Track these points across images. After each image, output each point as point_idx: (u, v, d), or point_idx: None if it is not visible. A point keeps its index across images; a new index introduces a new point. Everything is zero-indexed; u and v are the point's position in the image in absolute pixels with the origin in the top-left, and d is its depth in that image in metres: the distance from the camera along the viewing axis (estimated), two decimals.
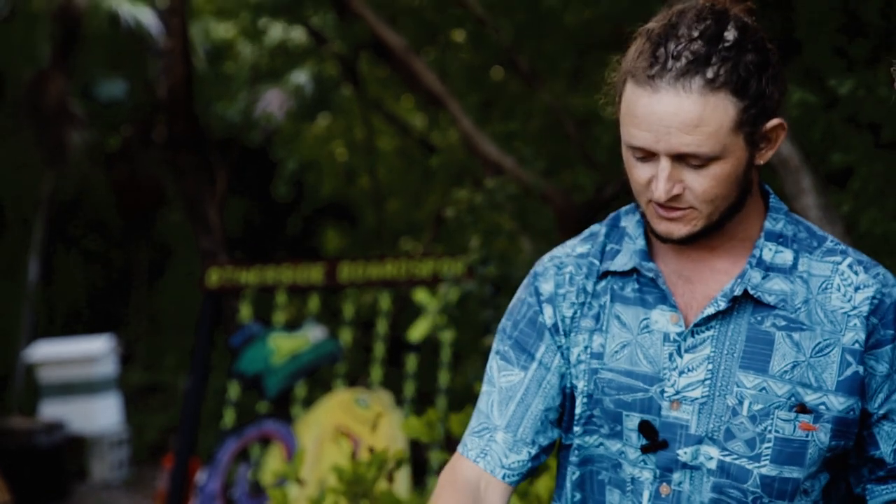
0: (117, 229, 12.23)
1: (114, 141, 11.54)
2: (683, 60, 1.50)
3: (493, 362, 1.73)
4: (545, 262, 1.73)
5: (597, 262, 1.68)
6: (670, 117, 1.51)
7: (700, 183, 1.54)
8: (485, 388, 1.72)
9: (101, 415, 8.75)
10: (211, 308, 6.72)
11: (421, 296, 6.18)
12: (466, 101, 7.67)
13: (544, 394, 1.68)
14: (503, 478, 1.68)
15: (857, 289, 1.59)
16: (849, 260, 1.61)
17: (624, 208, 1.72)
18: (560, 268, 1.71)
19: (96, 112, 10.83)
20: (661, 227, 1.58)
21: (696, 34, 1.51)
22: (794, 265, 1.61)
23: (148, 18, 9.65)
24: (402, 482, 5.60)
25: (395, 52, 6.57)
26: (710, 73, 1.50)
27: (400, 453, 2.74)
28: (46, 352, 8.86)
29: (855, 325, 1.58)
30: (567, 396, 1.69)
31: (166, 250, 12.30)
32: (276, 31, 10.01)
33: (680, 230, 1.58)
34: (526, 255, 5.43)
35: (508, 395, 1.70)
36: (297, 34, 10.13)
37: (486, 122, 7.82)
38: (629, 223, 1.69)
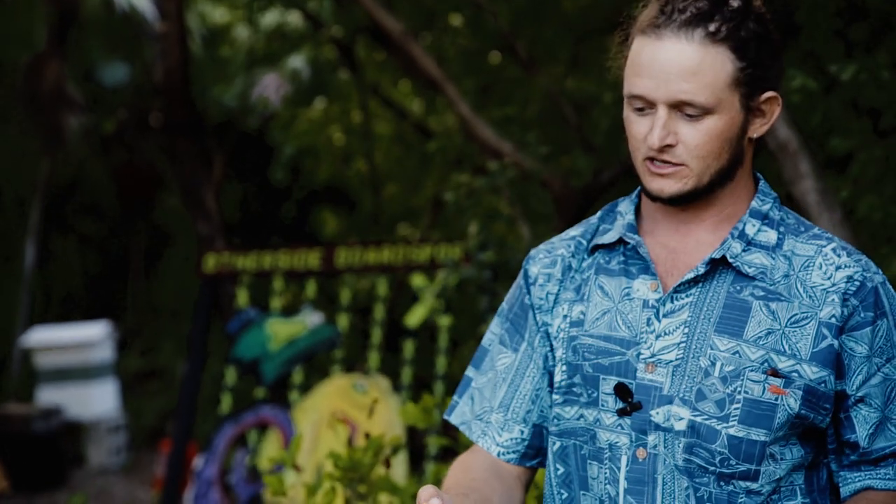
0: (114, 214, 12.21)
1: (109, 125, 11.51)
2: (688, 13, 1.59)
3: (493, 346, 1.81)
4: (539, 247, 1.82)
5: (584, 242, 1.76)
6: (671, 63, 1.58)
7: (693, 136, 1.60)
8: (489, 373, 1.80)
9: (98, 400, 8.74)
10: (208, 294, 6.71)
11: (418, 281, 6.17)
12: (464, 85, 7.65)
13: (532, 374, 1.76)
14: (499, 455, 1.76)
15: (838, 268, 1.63)
16: (833, 244, 1.66)
17: (622, 197, 1.79)
18: (550, 251, 1.79)
19: (95, 97, 10.79)
20: (654, 184, 1.64)
21: None
22: (779, 245, 1.65)
23: (143, 2, 9.60)
24: (399, 468, 5.60)
25: (393, 36, 6.54)
26: (712, 27, 1.58)
27: (397, 439, 2.74)
28: (43, 337, 8.84)
29: (833, 300, 1.61)
30: (552, 373, 1.75)
31: (163, 236, 12.28)
32: (273, 15, 9.97)
33: (671, 187, 1.63)
34: (525, 240, 5.42)
35: (502, 377, 1.78)
36: (294, 18, 10.10)
37: (484, 106, 7.80)
38: (624, 206, 1.76)
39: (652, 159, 1.63)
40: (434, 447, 5.84)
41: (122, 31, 10.09)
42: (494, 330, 1.82)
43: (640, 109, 1.63)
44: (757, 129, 1.65)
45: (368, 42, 9.74)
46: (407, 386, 6.18)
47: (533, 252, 1.81)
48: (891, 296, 1.66)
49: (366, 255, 6.30)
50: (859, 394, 1.63)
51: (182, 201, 8.49)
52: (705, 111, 1.59)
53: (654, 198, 1.66)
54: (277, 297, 6.52)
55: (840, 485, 1.67)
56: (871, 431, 1.63)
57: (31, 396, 9.01)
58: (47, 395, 8.64)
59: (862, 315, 1.62)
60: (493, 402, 1.77)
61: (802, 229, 1.69)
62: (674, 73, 1.58)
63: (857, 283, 1.62)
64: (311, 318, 6.42)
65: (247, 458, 6.24)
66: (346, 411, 5.94)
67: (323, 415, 6.03)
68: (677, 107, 1.60)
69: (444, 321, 6.11)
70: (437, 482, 2.84)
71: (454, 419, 1.82)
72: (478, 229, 5.18)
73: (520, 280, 1.80)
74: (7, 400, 9.29)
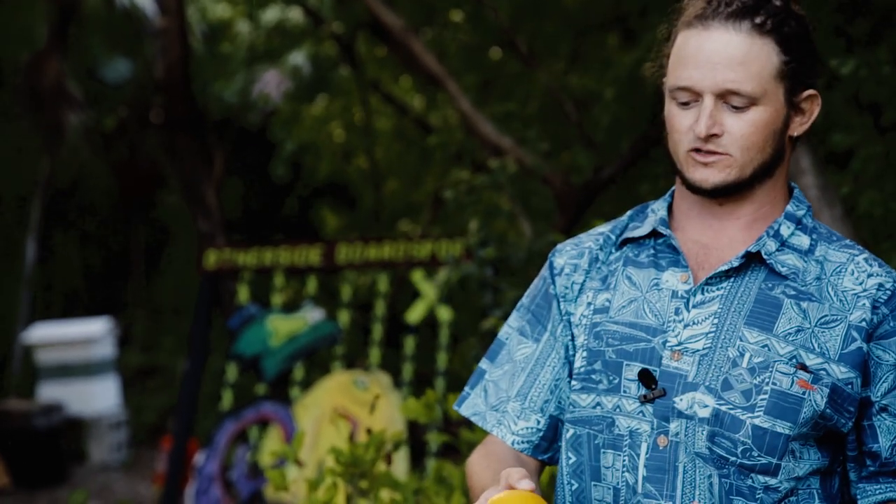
0: (115, 211, 12.21)
1: (109, 122, 11.50)
2: (735, 6, 1.62)
3: (511, 338, 1.79)
4: (566, 241, 1.83)
5: (613, 237, 1.77)
6: (718, 53, 1.61)
7: (739, 126, 1.61)
8: (506, 365, 1.78)
9: (100, 397, 8.75)
10: (209, 290, 6.71)
11: (419, 277, 6.17)
12: (464, 81, 7.64)
13: (552, 364, 1.75)
14: (513, 444, 1.75)
15: (869, 276, 1.64)
16: (865, 255, 1.68)
17: (654, 200, 1.80)
18: (578, 244, 1.80)
19: (95, 93, 10.79)
20: (697, 174, 1.65)
21: None
22: (811, 250, 1.67)
23: None
24: (400, 464, 5.60)
25: (394, 32, 6.54)
26: (758, 20, 1.61)
27: (398, 435, 2.74)
28: (44, 334, 8.85)
29: (864, 304, 1.62)
30: (572, 363, 1.74)
31: (164, 232, 12.28)
32: (274, 11, 9.97)
33: (714, 177, 1.64)
34: (525, 236, 5.42)
35: (521, 367, 1.77)
36: (295, 14, 10.09)
37: (485, 102, 7.80)
38: (656, 204, 1.77)
39: (697, 150, 1.64)
40: (435, 443, 5.84)
41: (123, 28, 10.09)
42: (513, 323, 1.81)
43: (685, 103, 1.65)
44: (797, 128, 1.67)
45: (369, 38, 9.74)
46: (408, 382, 6.18)
47: (559, 245, 1.82)
48: None
49: (366, 252, 6.30)
50: (883, 402, 1.63)
51: (182, 198, 8.49)
52: (751, 101, 1.61)
53: (697, 189, 1.66)
54: (278, 294, 6.52)
55: (858, 497, 1.66)
56: (893, 442, 1.63)
57: (32, 393, 9.01)
58: (48, 392, 8.65)
59: (892, 324, 1.63)
60: (510, 392, 1.76)
61: (834, 238, 1.70)
62: (721, 62, 1.61)
63: (888, 291, 1.63)
64: (311, 315, 6.42)
65: (248, 454, 6.25)
66: (347, 407, 5.95)
67: (324, 411, 6.04)
68: (723, 97, 1.62)
69: (445, 317, 6.11)
70: (439, 478, 2.84)
71: (465, 410, 1.81)
72: (478, 226, 5.17)
73: (544, 272, 1.80)
74: (8, 396, 9.30)
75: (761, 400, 1.60)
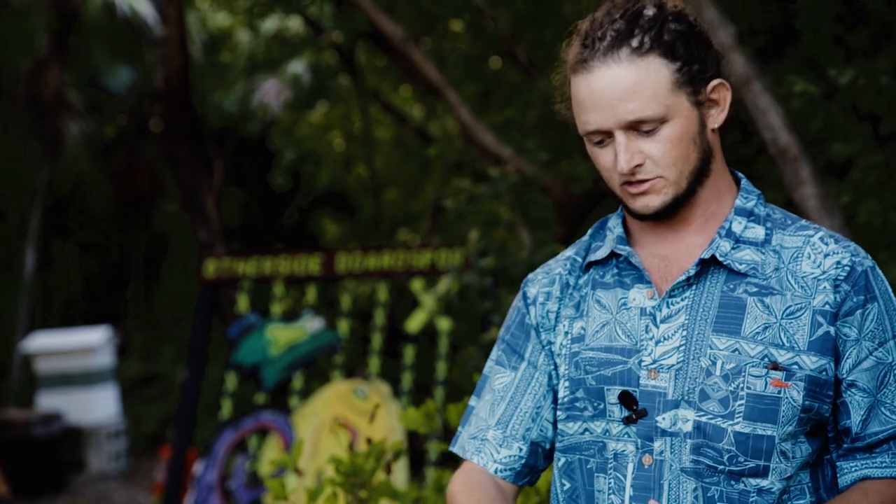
0: (114, 220, 12.21)
1: (109, 130, 11.51)
2: (608, 38, 1.61)
3: (490, 370, 1.82)
4: (536, 270, 1.84)
5: (580, 259, 1.78)
6: (608, 90, 1.61)
7: (657, 148, 1.62)
8: (486, 396, 1.80)
9: (99, 406, 8.74)
10: (208, 299, 6.71)
11: (419, 287, 6.17)
12: (464, 90, 7.65)
13: (534, 392, 1.76)
14: (496, 472, 1.76)
15: (826, 255, 1.65)
16: (821, 234, 1.68)
17: (610, 214, 1.81)
18: (548, 272, 1.81)
19: (95, 102, 10.80)
20: (637, 203, 1.66)
21: (616, 16, 1.63)
22: (768, 240, 1.67)
23: (144, 7, 9.62)
24: (399, 473, 5.60)
25: (393, 41, 6.55)
26: (634, 42, 1.60)
27: (398, 444, 2.73)
28: (43, 343, 8.84)
29: (825, 287, 1.63)
30: (556, 391, 1.76)
31: (163, 241, 12.28)
32: (274, 20, 9.98)
33: (654, 201, 1.65)
34: (525, 246, 5.42)
35: (500, 396, 1.78)
36: (295, 23, 10.11)
37: (485, 111, 7.80)
38: (612, 221, 1.78)
39: (628, 183, 1.65)
40: (434, 452, 5.83)
41: (123, 37, 10.11)
42: (492, 356, 1.83)
43: (600, 142, 1.66)
44: (716, 119, 1.67)
45: (369, 47, 9.75)
46: (407, 391, 6.18)
47: (531, 275, 1.83)
48: (880, 280, 1.67)
49: (366, 261, 6.30)
50: (850, 378, 1.63)
51: (182, 207, 8.49)
52: (659, 121, 1.61)
53: (641, 216, 1.68)
54: (278, 303, 6.52)
55: (838, 476, 1.67)
56: (864, 416, 1.64)
57: (31, 402, 9.01)
58: (47, 401, 8.64)
59: (854, 300, 1.63)
60: (489, 420, 1.78)
61: (789, 222, 1.70)
62: (615, 97, 1.60)
63: (846, 268, 1.63)
64: (311, 324, 6.41)
65: (247, 463, 6.24)
66: (346, 416, 5.94)
67: (323, 420, 6.03)
68: (632, 127, 1.62)
69: (445, 326, 6.11)
70: (439, 488, 2.84)
71: (456, 449, 1.83)
72: (478, 235, 5.18)
73: (518, 302, 1.81)
74: (7, 405, 9.29)
75: (739, 406, 1.61)
